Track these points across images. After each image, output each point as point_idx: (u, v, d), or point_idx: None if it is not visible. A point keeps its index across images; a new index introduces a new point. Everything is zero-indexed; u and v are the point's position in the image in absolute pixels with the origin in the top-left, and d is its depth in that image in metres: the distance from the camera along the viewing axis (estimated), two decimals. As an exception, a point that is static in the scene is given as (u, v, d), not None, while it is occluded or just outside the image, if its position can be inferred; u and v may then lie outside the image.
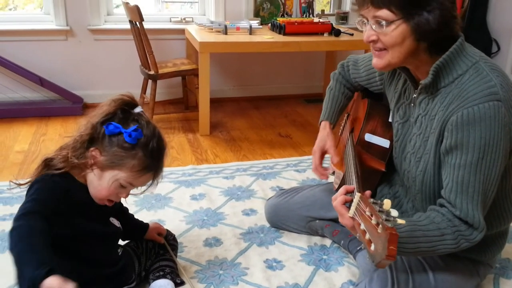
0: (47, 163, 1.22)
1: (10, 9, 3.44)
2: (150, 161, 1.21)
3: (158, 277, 1.44)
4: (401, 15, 1.12)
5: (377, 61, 1.23)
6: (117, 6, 3.49)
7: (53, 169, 1.20)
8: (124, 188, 1.23)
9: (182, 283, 1.49)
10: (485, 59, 1.19)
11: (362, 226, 1.00)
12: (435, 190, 1.27)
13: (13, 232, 1.05)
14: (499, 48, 3.84)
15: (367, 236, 0.96)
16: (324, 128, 1.64)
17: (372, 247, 0.93)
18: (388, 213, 0.94)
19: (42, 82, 3.26)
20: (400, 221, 0.94)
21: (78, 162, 1.19)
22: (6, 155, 2.55)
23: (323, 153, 1.61)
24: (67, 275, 0.98)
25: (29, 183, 1.21)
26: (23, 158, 2.52)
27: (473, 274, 1.38)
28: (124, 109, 1.22)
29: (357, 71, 1.62)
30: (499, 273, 1.60)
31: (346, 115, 1.80)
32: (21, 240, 1.03)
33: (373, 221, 0.94)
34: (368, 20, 1.19)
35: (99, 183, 1.21)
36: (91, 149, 1.18)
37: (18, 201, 2.01)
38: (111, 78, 3.40)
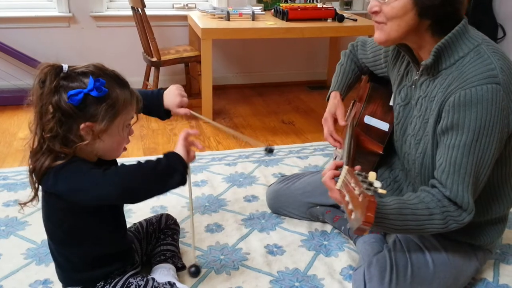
0: (33, 170, 1.16)
1: (13, -4, 3.43)
2: (125, 89, 1.19)
3: (160, 262, 1.46)
4: None
5: (378, 34, 1.23)
6: (120, -7, 3.48)
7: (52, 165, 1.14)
8: (129, 126, 1.24)
9: (184, 267, 1.51)
10: (487, 42, 1.18)
11: (347, 198, 1.01)
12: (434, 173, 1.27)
13: (131, 173, 1.16)
14: (505, 34, 3.80)
15: (350, 206, 0.98)
16: (335, 98, 1.61)
17: (353, 216, 0.95)
18: (370, 184, 0.96)
19: (45, 69, 3.26)
20: (381, 190, 0.96)
21: (71, 148, 1.13)
22: (10, 142, 2.57)
23: (335, 119, 1.58)
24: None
25: (35, 196, 1.19)
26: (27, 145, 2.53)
27: (472, 259, 1.39)
28: (61, 75, 1.13)
29: (364, 52, 1.61)
30: (500, 259, 1.61)
31: (352, 102, 1.79)
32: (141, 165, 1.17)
33: (356, 191, 0.96)
34: None
35: (112, 141, 1.19)
36: (81, 126, 1.13)
37: (22, 187, 2.03)
38: (114, 65, 3.29)
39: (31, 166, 1.16)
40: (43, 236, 1.67)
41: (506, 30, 3.79)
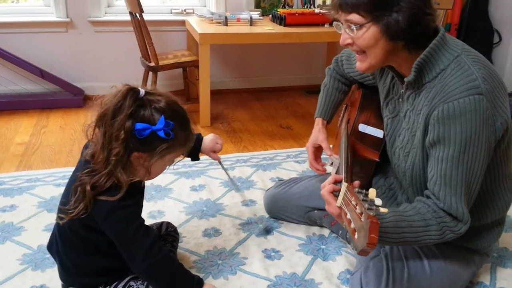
0: (90, 187, 1.16)
1: (12, 1, 3.43)
2: (186, 131, 1.23)
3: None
4: (370, 18, 1.13)
5: (359, 65, 1.25)
6: (119, -2, 3.49)
7: (103, 190, 1.16)
8: (173, 161, 1.28)
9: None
10: (467, 52, 1.18)
11: (348, 216, 1.01)
12: (425, 184, 1.27)
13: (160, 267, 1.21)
14: (500, 39, 3.81)
15: (352, 225, 0.98)
16: (317, 124, 1.66)
17: (356, 236, 0.95)
18: (371, 202, 0.95)
19: (43, 74, 3.27)
20: (382, 209, 0.96)
21: (128, 176, 1.17)
22: (7, 147, 2.56)
23: (315, 148, 1.63)
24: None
25: (77, 214, 1.17)
26: (24, 150, 2.53)
27: (469, 263, 1.38)
28: (137, 102, 1.15)
29: (350, 65, 1.62)
30: (496, 262, 1.61)
31: (344, 106, 1.80)
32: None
33: (358, 210, 0.96)
34: (342, 24, 1.20)
35: (153, 172, 1.23)
36: (135, 154, 1.16)
37: (19, 193, 2.03)
38: (112, 70, 3.40)
39: (90, 181, 1.16)
40: (39, 241, 1.68)
41: (502, 35, 3.80)
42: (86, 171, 1.18)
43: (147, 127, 1.13)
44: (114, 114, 1.13)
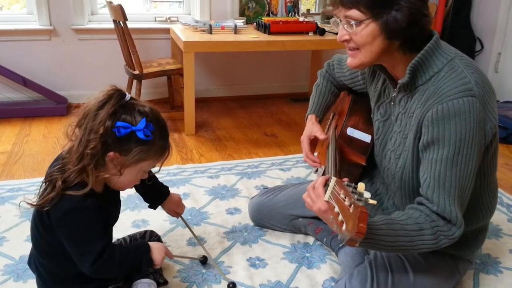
0: (62, 182, 1.17)
1: (-6, 9, 3.40)
2: (164, 141, 1.25)
3: (141, 277, 1.44)
4: (370, 15, 1.14)
5: (351, 60, 1.26)
6: (104, 6, 3.47)
7: (71, 185, 1.17)
8: (147, 172, 1.29)
9: (166, 282, 1.49)
10: (460, 56, 1.21)
11: (336, 209, 1.01)
12: (414, 187, 1.28)
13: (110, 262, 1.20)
14: (482, 47, 3.88)
15: (340, 217, 0.98)
16: (310, 120, 1.65)
17: (344, 227, 0.95)
18: (360, 194, 0.97)
19: (25, 82, 3.23)
20: (371, 201, 0.97)
21: (98, 173, 1.17)
22: (-12, 156, 2.53)
23: (311, 140, 1.61)
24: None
25: (43, 205, 1.17)
26: (6, 159, 2.49)
27: (453, 270, 1.40)
28: (121, 103, 1.18)
29: (341, 70, 1.63)
30: (479, 269, 1.63)
31: (331, 114, 1.81)
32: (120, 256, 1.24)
33: (346, 202, 0.96)
34: (340, 20, 1.21)
35: (124, 178, 1.23)
36: (110, 154, 1.16)
37: (1, 203, 2.00)
38: (96, 78, 3.37)
39: (61, 176, 1.17)
40: (22, 252, 1.65)
41: (484, 43, 3.88)
42: (57, 167, 1.19)
43: (127, 125, 1.15)
44: (97, 108, 1.15)
